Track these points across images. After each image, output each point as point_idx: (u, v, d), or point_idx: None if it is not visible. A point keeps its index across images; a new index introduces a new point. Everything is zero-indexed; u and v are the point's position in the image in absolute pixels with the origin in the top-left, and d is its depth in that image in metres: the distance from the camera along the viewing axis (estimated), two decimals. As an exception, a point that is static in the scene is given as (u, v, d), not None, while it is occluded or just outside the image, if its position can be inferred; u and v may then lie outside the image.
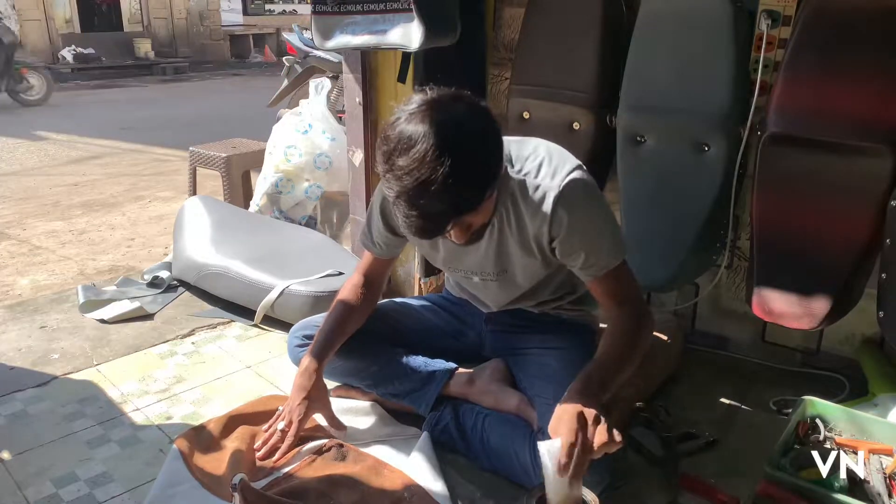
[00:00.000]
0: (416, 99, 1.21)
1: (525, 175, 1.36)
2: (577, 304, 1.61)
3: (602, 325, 1.75)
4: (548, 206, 1.33)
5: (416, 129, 1.14)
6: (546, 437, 1.41)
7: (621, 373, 1.34)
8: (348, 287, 1.67)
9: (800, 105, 1.61)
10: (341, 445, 1.57)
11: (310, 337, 1.75)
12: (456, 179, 1.12)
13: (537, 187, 1.34)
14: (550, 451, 1.19)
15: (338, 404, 1.69)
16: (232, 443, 1.56)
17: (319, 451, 1.55)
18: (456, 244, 1.37)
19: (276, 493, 1.38)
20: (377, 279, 1.70)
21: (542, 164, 1.36)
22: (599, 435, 1.19)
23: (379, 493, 1.42)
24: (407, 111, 1.18)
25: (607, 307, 1.43)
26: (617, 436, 1.20)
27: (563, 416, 1.22)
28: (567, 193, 1.32)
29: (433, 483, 1.44)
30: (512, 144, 1.40)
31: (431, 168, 1.11)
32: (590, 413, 1.21)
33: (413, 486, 1.43)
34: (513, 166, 1.37)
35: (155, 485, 1.46)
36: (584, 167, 1.38)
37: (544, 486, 1.24)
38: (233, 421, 1.64)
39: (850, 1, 1.56)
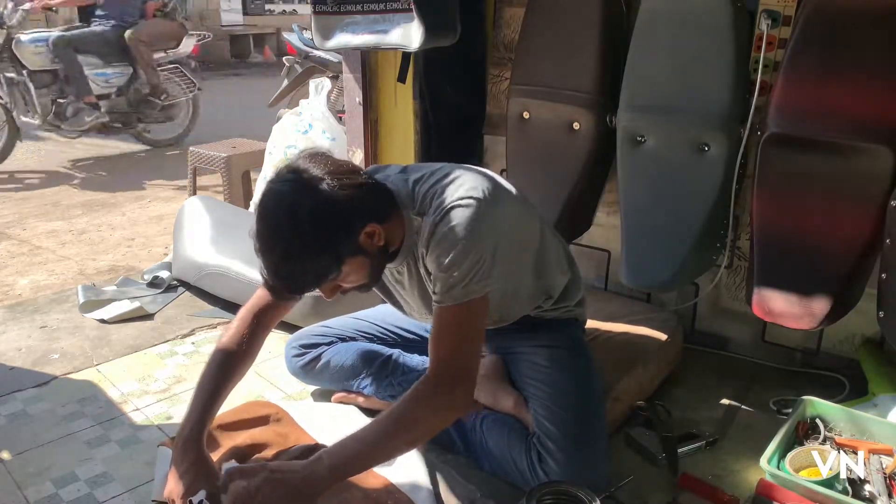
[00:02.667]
0: (282, 169, 1.27)
1: (420, 214, 1.34)
2: (559, 303, 1.59)
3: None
4: (424, 239, 1.32)
5: (261, 207, 1.25)
6: (544, 442, 1.42)
7: (380, 456, 1.28)
8: (234, 331, 1.49)
9: (800, 105, 1.61)
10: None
11: (306, 347, 1.76)
12: (282, 265, 1.23)
13: (424, 224, 1.32)
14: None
15: (323, 410, 1.69)
16: (213, 453, 1.51)
17: (305, 455, 1.54)
18: (395, 290, 1.47)
19: None
20: (274, 315, 1.52)
21: (432, 199, 1.33)
22: None
23: (361, 499, 1.41)
24: (273, 180, 1.26)
25: (428, 351, 1.33)
26: None
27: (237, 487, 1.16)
28: (437, 224, 1.29)
29: (417, 490, 1.44)
30: (416, 184, 1.36)
31: (267, 253, 1.23)
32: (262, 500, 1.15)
33: (396, 492, 1.43)
34: (413, 207, 1.35)
35: (156, 478, 1.46)
36: (477, 196, 1.29)
37: (543, 486, 1.25)
38: (216, 431, 1.60)
39: (850, 1, 1.56)
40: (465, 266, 1.27)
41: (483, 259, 1.28)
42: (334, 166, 1.26)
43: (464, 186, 1.32)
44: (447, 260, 1.27)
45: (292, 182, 1.23)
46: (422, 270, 1.39)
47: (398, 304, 1.60)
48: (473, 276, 1.27)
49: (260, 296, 1.50)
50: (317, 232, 1.20)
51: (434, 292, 1.32)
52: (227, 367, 1.43)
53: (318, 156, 1.28)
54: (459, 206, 1.29)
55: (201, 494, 1.25)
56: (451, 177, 1.36)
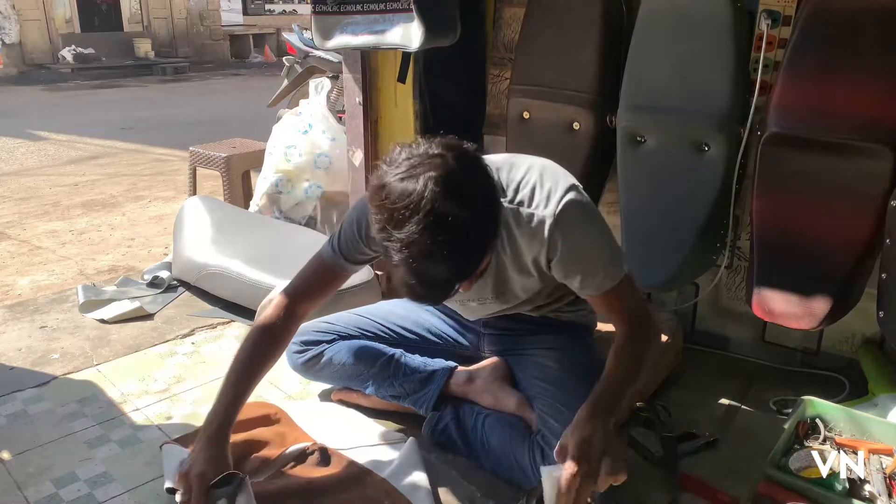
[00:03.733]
0: (402, 158, 1.13)
1: (518, 204, 1.33)
2: (574, 305, 1.61)
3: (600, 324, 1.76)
4: (544, 234, 1.31)
5: (407, 198, 1.08)
6: (548, 440, 1.41)
7: (627, 392, 1.33)
8: (266, 323, 1.47)
9: (800, 105, 1.61)
10: (325, 449, 1.56)
11: (308, 343, 1.75)
12: (455, 249, 1.11)
13: (532, 216, 1.31)
14: (552, 476, 1.18)
15: (322, 410, 1.69)
16: None
17: (303, 454, 1.54)
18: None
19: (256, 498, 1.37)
20: (308, 306, 1.51)
21: (534, 190, 1.33)
22: (605, 468, 1.18)
23: (359, 501, 1.41)
24: (396, 174, 1.11)
25: (610, 320, 1.43)
26: (623, 471, 1.19)
27: (570, 443, 1.20)
28: (562, 220, 1.30)
29: (416, 491, 1.44)
30: (502, 170, 1.36)
31: (429, 241, 1.08)
32: (597, 443, 1.19)
33: (395, 493, 1.43)
34: (505, 195, 1.33)
35: (165, 469, 1.46)
36: (578, 186, 1.35)
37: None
38: None
39: (850, 1, 1.56)
40: (609, 252, 1.36)
41: (612, 238, 1.38)
42: (462, 155, 1.18)
43: (561, 178, 1.34)
44: (594, 254, 1.34)
45: (458, 163, 1.13)
46: (505, 258, 1.40)
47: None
48: (613, 256, 1.37)
49: (296, 285, 1.52)
50: (485, 217, 1.16)
51: (584, 285, 1.36)
52: (257, 359, 1.46)
53: (453, 145, 1.19)
54: (577, 199, 1.32)
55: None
56: (539, 167, 1.37)
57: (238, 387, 1.42)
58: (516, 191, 1.34)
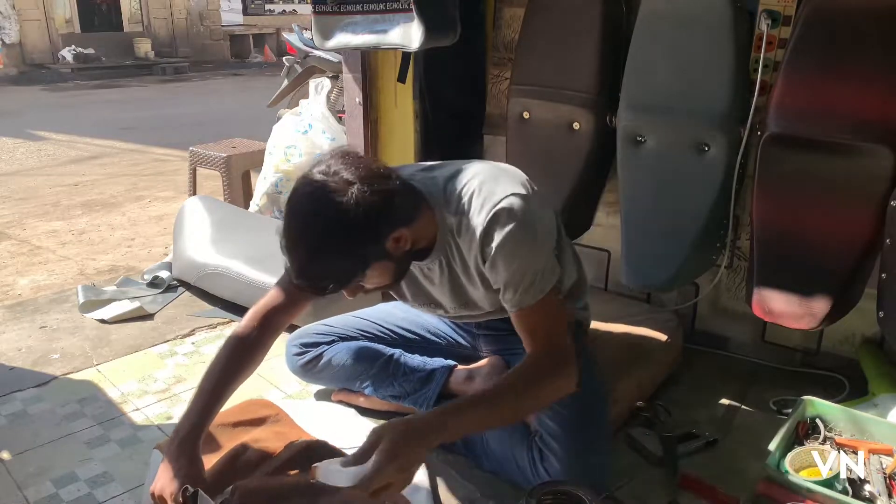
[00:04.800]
0: (315, 171, 1.24)
1: (458, 213, 1.33)
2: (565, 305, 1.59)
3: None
4: (476, 240, 1.31)
5: (287, 212, 1.24)
6: (546, 440, 1.41)
7: (487, 423, 1.30)
8: (241, 335, 1.46)
9: (800, 105, 1.61)
10: (327, 446, 1.56)
11: (307, 345, 1.75)
12: (306, 266, 1.23)
13: (469, 223, 1.31)
14: (351, 473, 1.16)
15: (323, 410, 1.69)
16: (212, 454, 1.51)
17: (307, 449, 1.54)
18: (419, 283, 1.45)
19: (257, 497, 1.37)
20: (283, 317, 1.49)
21: (472, 198, 1.32)
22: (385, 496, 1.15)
23: (359, 500, 1.41)
24: (300, 183, 1.25)
25: (525, 344, 1.35)
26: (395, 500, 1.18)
27: (379, 450, 1.15)
28: (490, 227, 1.28)
29: (416, 491, 1.43)
30: (448, 181, 1.36)
31: (290, 252, 1.23)
32: (399, 469, 1.15)
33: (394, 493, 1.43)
34: (447, 205, 1.34)
35: (146, 484, 1.45)
36: (523, 193, 1.31)
37: (543, 486, 1.25)
38: (215, 430, 1.60)
39: (850, 1, 1.56)
40: (535, 268, 1.30)
41: (547, 258, 1.32)
42: (365, 170, 1.23)
43: (502, 185, 1.31)
44: (515, 265, 1.28)
45: (323, 185, 1.21)
46: (457, 268, 1.39)
47: (406, 299, 1.58)
48: (544, 274, 1.31)
49: (272, 297, 1.48)
50: (345, 238, 1.20)
51: (505, 298, 1.33)
52: (230, 369, 1.42)
53: (349, 156, 1.25)
54: (509, 207, 1.28)
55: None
56: (484, 174, 1.35)
57: (211, 396, 1.39)
58: (458, 200, 1.33)
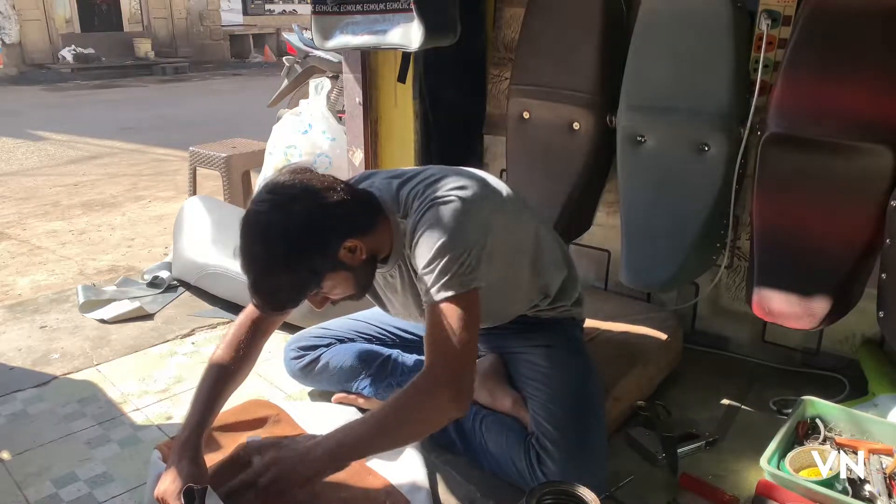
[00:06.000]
0: (264, 188, 1.29)
1: (405, 217, 1.34)
2: (554, 303, 1.58)
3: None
4: (409, 239, 1.32)
5: (242, 227, 1.29)
6: (542, 442, 1.42)
7: (378, 443, 1.29)
8: (233, 340, 1.47)
9: (800, 105, 1.61)
10: None
11: (305, 349, 1.76)
12: (258, 281, 1.26)
13: (409, 226, 1.33)
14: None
15: (323, 411, 1.69)
16: (213, 454, 1.52)
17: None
18: (385, 294, 1.48)
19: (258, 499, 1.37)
20: (273, 321, 1.51)
21: (414, 199, 1.34)
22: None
23: (361, 499, 1.41)
24: (257, 199, 1.29)
25: (424, 347, 1.30)
26: None
27: (270, 457, 1.24)
28: (418, 222, 1.30)
29: (416, 491, 1.44)
30: (401, 187, 1.37)
31: (245, 268, 1.26)
32: (282, 484, 1.20)
33: (395, 493, 1.43)
34: (398, 211, 1.36)
35: (147, 485, 1.45)
36: (460, 190, 1.30)
37: (543, 486, 1.24)
38: (216, 431, 1.60)
39: (850, 1, 1.56)
40: (447, 262, 1.24)
41: (466, 255, 1.25)
42: (314, 183, 1.27)
43: (447, 186, 1.32)
44: (430, 256, 1.26)
45: (268, 202, 1.25)
46: (411, 272, 1.39)
47: (386, 308, 1.60)
48: (457, 271, 1.25)
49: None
50: (289, 251, 1.22)
51: (422, 292, 1.32)
52: (223, 375, 1.43)
53: (298, 172, 1.30)
54: (440, 203, 1.29)
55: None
56: (437, 177, 1.36)
57: (210, 397, 1.41)
58: (405, 204, 1.35)
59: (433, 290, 1.25)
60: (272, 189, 1.27)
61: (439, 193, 1.31)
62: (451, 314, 1.24)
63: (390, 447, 1.36)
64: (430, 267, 1.26)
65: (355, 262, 1.29)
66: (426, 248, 1.27)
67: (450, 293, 1.24)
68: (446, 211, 1.28)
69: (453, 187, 1.32)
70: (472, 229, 1.28)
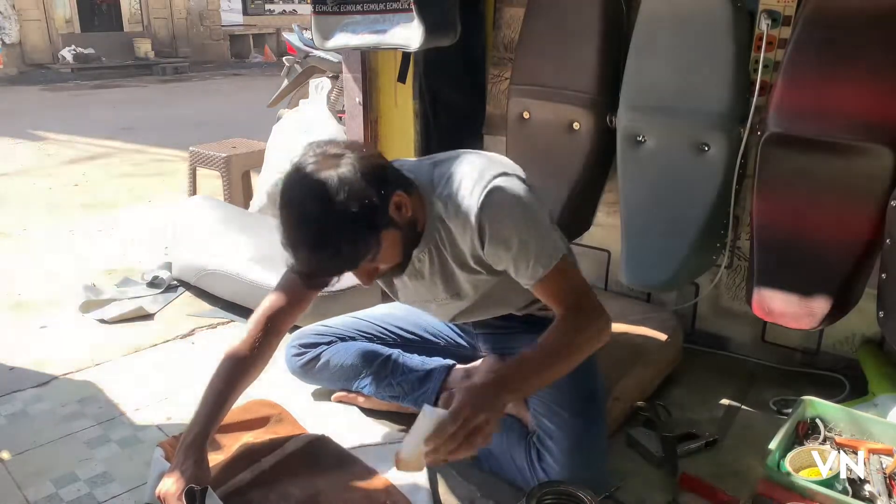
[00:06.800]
0: (308, 155, 1.23)
1: (448, 196, 1.32)
2: None
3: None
4: (472, 222, 1.29)
5: (284, 194, 1.24)
6: (543, 441, 1.41)
7: (544, 376, 1.28)
8: (253, 325, 1.48)
9: (800, 105, 1.61)
10: (331, 442, 1.57)
11: (306, 346, 1.76)
12: (314, 245, 1.18)
13: (459, 206, 1.30)
14: (432, 417, 1.15)
15: (324, 410, 1.69)
16: (214, 453, 1.52)
17: (310, 445, 1.55)
18: (406, 279, 1.43)
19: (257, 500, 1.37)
20: (287, 319, 1.50)
21: (461, 180, 1.31)
22: (468, 441, 1.13)
23: (361, 499, 1.41)
24: (291, 170, 1.24)
25: (554, 309, 1.34)
26: (472, 452, 1.16)
27: (461, 400, 1.15)
28: (486, 205, 1.27)
29: (416, 491, 1.44)
30: (437, 167, 1.37)
31: (294, 235, 1.20)
32: (482, 416, 1.14)
33: (395, 493, 1.43)
34: (434, 190, 1.34)
35: (148, 482, 1.46)
36: (510, 173, 1.31)
37: (543, 486, 1.25)
38: (219, 430, 1.61)
39: (850, 1, 1.56)
40: (538, 239, 1.29)
41: (546, 226, 1.32)
42: (350, 145, 1.24)
43: (490, 167, 1.31)
44: (517, 240, 1.27)
45: (313, 162, 1.20)
46: (447, 254, 1.38)
47: (396, 295, 1.58)
48: (548, 242, 1.30)
49: (273, 300, 1.49)
50: (349, 202, 1.16)
51: (519, 276, 1.32)
52: (235, 374, 1.43)
53: (328, 142, 1.26)
54: (501, 185, 1.28)
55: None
56: (472, 159, 1.35)
57: (217, 400, 1.40)
58: (446, 184, 1.33)
59: (537, 266, 1.29)
60: (311, 152, 1.22)
61: (488, 177, 1.29)
62: (562, 276, 1.31)
63: (560, 375, 1.31)
64: (523, 248, 1.28)
65: (403, 220, 1.26)
66: (508, 232, 1.27)
67: (553, 262, 1.29)
68: (511, 192, 1.28)
69: (497, 167, 1.31)
70: (536, 204, 1.32)
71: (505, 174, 1.30)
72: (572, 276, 1.34)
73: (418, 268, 1.44)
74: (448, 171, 1.34)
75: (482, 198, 1.27)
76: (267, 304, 1.49)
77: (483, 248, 1.32)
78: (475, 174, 1.30)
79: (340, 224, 1.16)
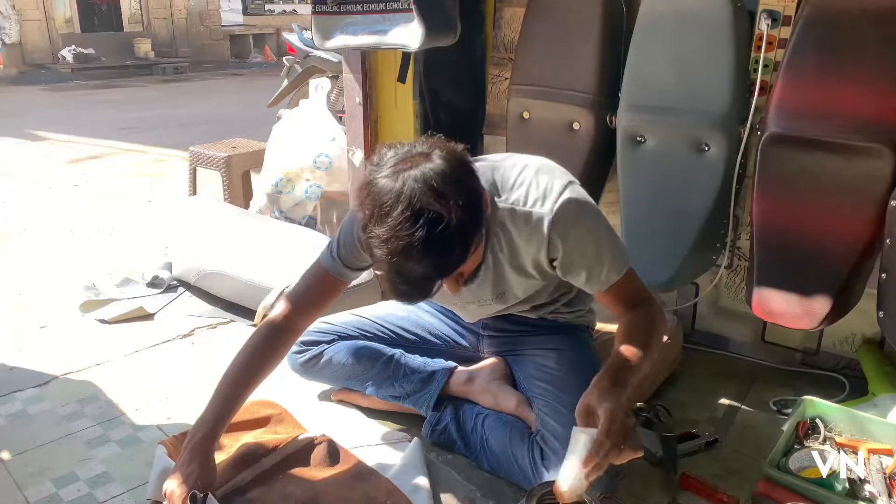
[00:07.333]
0: (388, 157, 1.14)
1: (513, 203, 1.32)
2: (572, 306, 1.61)
3: (599, 324, 1.76)
4: (543, 232, 1.30)
5: (388, 195, 1.08)
6: (548, 440, 1.41)
7: (638, 371, 1.28)
8: (266, 330, 1.47)
9: (800, 105, 1.61)
10: (332, 441, 1.57)
11: (307, 344, 1.75)
12: (434, 244, 1.07)
13: (529, 214, 1.30)
14: (584, 437, 1.16)
15: (324, 410, 1.69)
16: (215, 453, 1.53)
17: (311, 445, 1.55)
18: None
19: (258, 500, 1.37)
20: (310, 317, 1.52)
21: (529, 188, 1.31)
22: (630, 444, 1.15)
23: (361, 499, 1.41)
24: (380, 174, 1.12)
25: (618, 313, 1.39)
26: (640, 448, 1.19)
27: (600, 409, 1.16)
28: (560, 217, 1.29)
29: (417, 492, 1.44)
30: (497, 170, 1.35)
31: (408, 236, 1.06)
32: (622, 414, 1.16)
33: (396, 493, 1.43)
34: (499, 195, 1.32)
35: (150, 480, 1.46)
36: (575, 182, 1.34)
37: (543, 486, 1.24)
38: None
39: (850, 1, 1.56)
40: (610, 247, 1.34)
41: (614, 233, 1.38)
42: (434, 143, 1.17)
43: (556, 176, 1.33)
44: (593, 251, 1.32)
45: (440, 159, 1.12)
46: (502, 257, 1.38)
47: (447, 298, 1.51)
48: (619, 249, 1.36)
49: (297, 298, 1.50)
50: (465, 211, 1.09)
51: (590, 283, 1.36)
52: (248, 377, 1.44)
53: (437, 143, 1.18)
54: (573, 196, 1.31)
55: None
56: (534, 165, 1.36)
57: (229, 397, 1.41)
58: (511, 189, 1.33)
59: (612, 273, 1.35)
60: (427, 152, 1.14)
61: (559, 187, 1.31)
62: (630, 280, 1.38)
63: (643, 371, 1.31)
64: (600, 259, 1.33)
65: (485, 217, 1.21)
66: (588, 241, 1.32)
67: (624, 268, 1.36)
68: (581, 202, 1.32)
69: (564, 176, 1.34)
70: (601, 213, 1.37)
71: (572, 183, 1.33)
72: (638, 281, 1.40)
73: None
74: (512, 178, 1.34)
75: (555, 210, 1.29)
76: (292, 299, 1.49)
77: (552, 259, 1.34)
78: (543, 185, 1.32)
79: (461, 221, 1.09)
